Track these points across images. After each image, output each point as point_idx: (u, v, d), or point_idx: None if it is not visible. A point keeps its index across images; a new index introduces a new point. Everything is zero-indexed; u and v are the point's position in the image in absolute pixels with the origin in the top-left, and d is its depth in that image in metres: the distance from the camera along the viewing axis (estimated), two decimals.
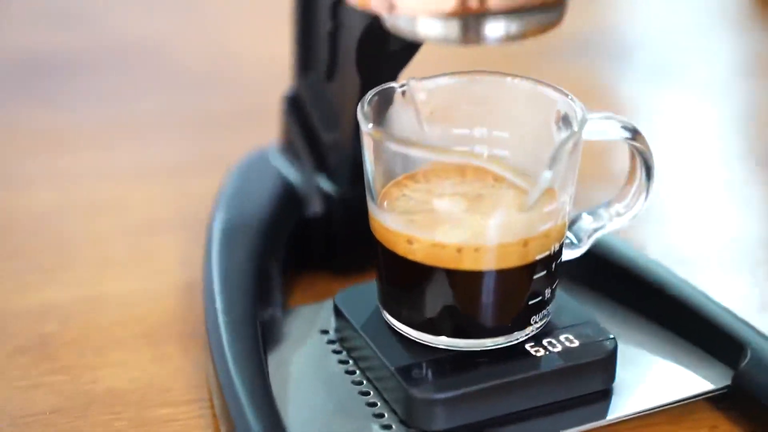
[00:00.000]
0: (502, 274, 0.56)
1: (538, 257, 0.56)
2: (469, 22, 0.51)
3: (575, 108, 0.57)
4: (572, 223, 0.61)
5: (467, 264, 0.55)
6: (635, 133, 0.58)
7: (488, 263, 0.55)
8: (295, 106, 0.71)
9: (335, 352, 0.61)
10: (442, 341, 0.57)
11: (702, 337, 0.62)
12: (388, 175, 0.57)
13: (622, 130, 0.58)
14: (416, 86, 0.60)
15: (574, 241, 0.61)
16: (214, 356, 0.58)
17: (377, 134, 0.55)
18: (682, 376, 0.60)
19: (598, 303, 0.65)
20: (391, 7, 0.50)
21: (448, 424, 0.56)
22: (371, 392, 0.58)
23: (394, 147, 0.55)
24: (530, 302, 0.57)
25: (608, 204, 0.61)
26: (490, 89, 0.61)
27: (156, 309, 0.68)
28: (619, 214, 0.61)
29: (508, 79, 0.60)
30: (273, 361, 0.61)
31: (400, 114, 0.59)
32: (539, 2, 0.50)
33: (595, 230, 0.61)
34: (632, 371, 0.61)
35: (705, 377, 0.60)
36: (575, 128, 0.56)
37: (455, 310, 0.57)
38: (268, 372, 0.58)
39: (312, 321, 0.64)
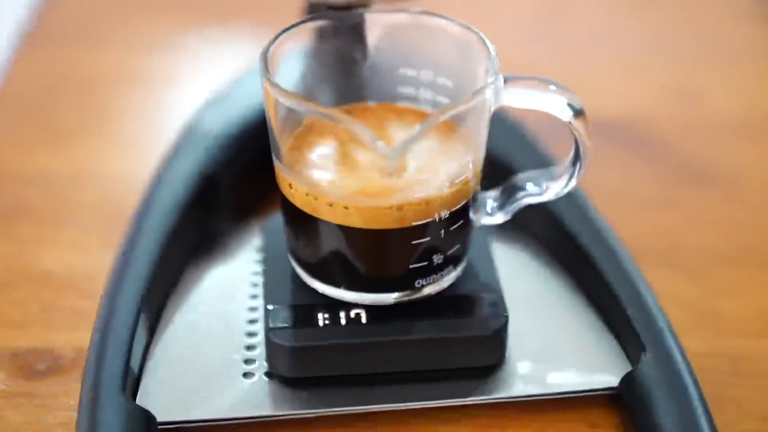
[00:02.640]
0: (373, 234, 0.54)
1: (415, 223, 0.53)
2: None
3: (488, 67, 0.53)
4: (496, 189, 0.58)
5: (339, 219, 0.54)
6: (576, 112, 0.53)
7: (357, 222, 0.53)
8: None
9: (255, 273, 0.61)
10: (323, 289, 0.56)
11: (617, 326, 0.58)
12: (287, 125, 0.56)
13: (558, 103, 0.53)
14: (370, 18, 0.57)
15: (489, 208, 0.57)
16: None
17: (269, 86, 0.53)
18: (578, 365, 0.57)
19: (539, 260, 0.62)
20: None
21: (302, 373, 0.55)
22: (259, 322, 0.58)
23: (282, 100, 0.53)
24: (412, 266, 0.55)
25: (537, 177, 0.57)
26: (433, 33, 0.57)
27: None
28: (545, 190, 0.57)
29: (451, 24, 0.56)
30: (198, 268, 0.62)
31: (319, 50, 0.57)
32: None
33: (515, 201, 0.57)
34: (531, 349, 0.58)
35: (600, 370, 0.56)
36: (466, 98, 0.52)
37: (332, 259, 0.55)
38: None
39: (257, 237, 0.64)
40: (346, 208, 0.53)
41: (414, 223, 0.53)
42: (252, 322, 0.59)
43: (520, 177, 0.57)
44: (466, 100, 0.51)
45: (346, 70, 0.59)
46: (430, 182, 0.53)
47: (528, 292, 0.60)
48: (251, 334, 0.58)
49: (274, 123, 0.53)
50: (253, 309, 0.59)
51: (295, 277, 0.58)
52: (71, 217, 0.68)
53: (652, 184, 0.70)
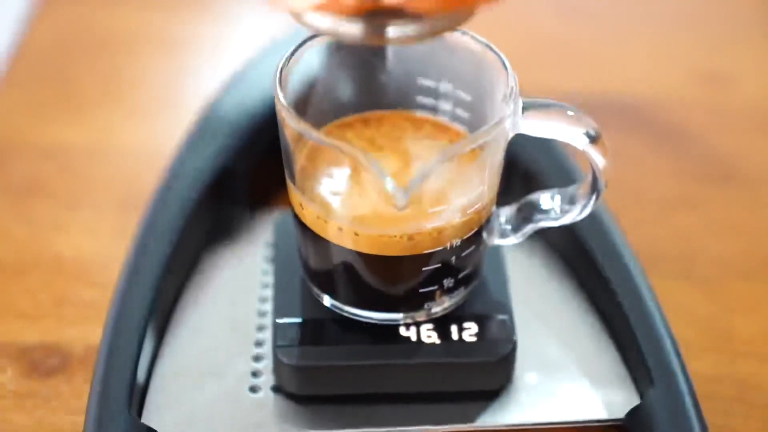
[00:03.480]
0: (383, 260, 0.53)
1: (427, 251, 0.53)
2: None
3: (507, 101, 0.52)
4: (510, 208, 0.57)
5: (348, 243, 0.53)
6: (593, 139, 0.52)
7: (367, 248, 0.53)
8: None
9: (265, 273, 0.61)
10: (334, 304, 0.56)
11: (627, 354, 0.58)
12: (299, 145, 0.54)
13: (573, 133, 0.52)
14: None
15: (503, 230, 0.57)
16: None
17: (281, 109, 0.52)
18: (585, 393, 0.57)
19: (552, 269, 0.61)
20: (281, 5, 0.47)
21: (309, 392, 0.55)
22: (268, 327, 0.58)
23: (293, 125, 0.51)
24: (422, 290, 0.54)
25: (554, 199, 0.56)
26: (454, 47, 0.56)
27: None
28: (561, 214, 0.56)
29: (472, 42, 0.54)
30: (209, 265, 0.62)
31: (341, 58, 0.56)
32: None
33: (530, 224, 0.56)
34: (539, 372, 0.57)
35: (608, 400, 0.56)
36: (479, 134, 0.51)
37: (340, 278, 0.55)
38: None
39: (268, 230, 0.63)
40: (356, 234, 0.52)
41: (425, 251, 0.53)
42: (261, 329, 0.59)
43: (536, 198, 0.56)
44: (483, 135, 0.50)
45: (364, 77, 0.57)
46: (443, 213, 0.52)
47: (539, 308, 0.60)
48: (259, 344, 0.58)
49: (287, 140, 0.53)
50: (262, 314, 0.59)
51: (305, 287, 0.57)
52: (86, 197, 0.67)
53: (672, 181, 0.69)
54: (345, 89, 0.57)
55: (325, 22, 0.47)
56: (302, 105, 0.55)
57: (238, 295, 0.60)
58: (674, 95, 0.75)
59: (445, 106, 0.57)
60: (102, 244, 0.64)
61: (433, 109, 0.58)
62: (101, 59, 0.77)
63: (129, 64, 0.77)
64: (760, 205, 0.67)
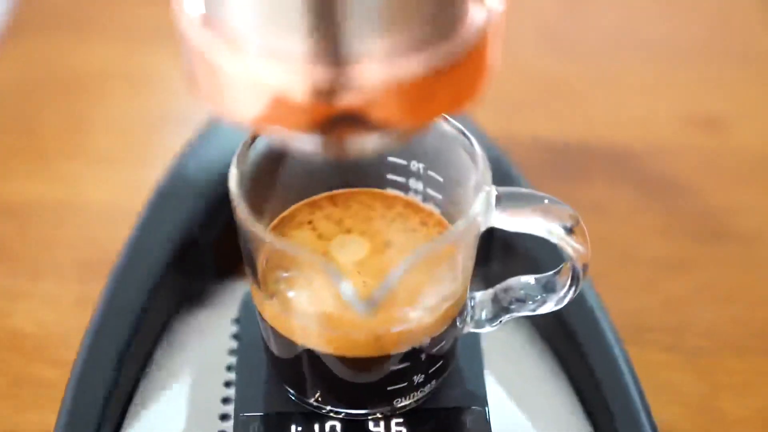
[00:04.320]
0: (348, 360, 0.50)
1: (395, 352, 0.50)
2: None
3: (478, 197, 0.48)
4: (485, 294, 0.54)
5: (311, 343, 0.50)
6: (569, 230, 0.49)
7: (331, 348, 0.50)
8: None
9: (231, 352, 0.58)
10: (299, 398, 0.53)
11: None
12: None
13: (549, 227, 0.49)
14: None
15: (477, 318, 0.54)
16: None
17: (238, 212, 0.48)
18: None
19: (537, 355, 0.58)
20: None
21: None
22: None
23: (247, 225, 0.48)
24: (390, 388, 0.52)
25: (532, 287, 0.53)
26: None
27: None
28: (540, 304, 0.53)
29: (444, 124, 0.51)
30: (169, 341, 0.59)
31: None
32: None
33: (507, 313, 0.53)
34: None
35: None
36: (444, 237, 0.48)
37: (305, 374, 0.53)
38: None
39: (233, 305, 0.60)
40: (319, 334, 0.49)
41: (393, 352, 0.50)
42: (224, 418, 0.56)
43: (513, 285, 0.53)
44: (449, 238, 0.47)
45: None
46: (411, 316, 0.49)
47: (515, 389, 0.57)
48: (224, 417, 0.55)
49: (245, 236, 0.50)
50: (226, 400, 0.56)
51: (269, 375, 0.54)
52: (47, 262, 0.64)
53: (661, 239, 0.66)
54: (312, 167, 0.54)
55: (278, 134, 0.44)
56: (267, 185, 0.52)
57: (202, 377, 0.57)
58: (666, 141, 0.72)
59: (417, 185, 0.54)
60: (63, 316, 0.62)
61: (404, 188, 0.54)
62: (66, 103, 0.73)
63: (97, 106, 0.73)
64: (755, 266, 0.64)
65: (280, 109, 0.41)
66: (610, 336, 0.56)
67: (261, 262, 0.50)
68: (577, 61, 0.77)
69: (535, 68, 0.76)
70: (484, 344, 0.56)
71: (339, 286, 0.46)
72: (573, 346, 0.57)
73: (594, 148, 0.70)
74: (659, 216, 0.67)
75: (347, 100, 0.40)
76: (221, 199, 0.61)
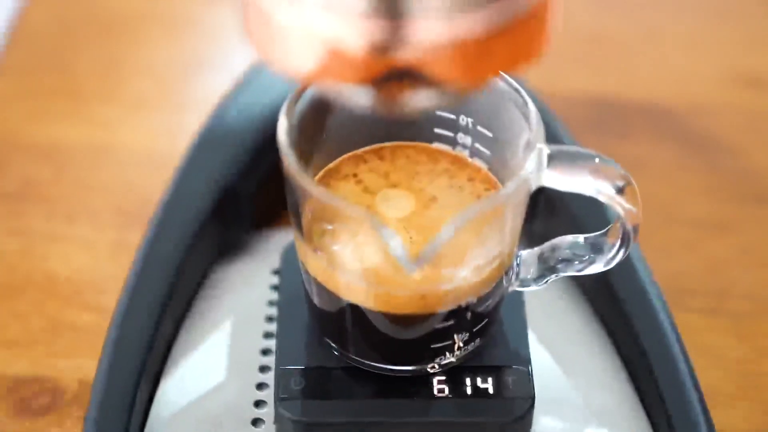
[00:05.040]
0: (392, 317, 0.50)
1: (440, 310, 0.49)
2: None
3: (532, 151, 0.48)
4: (532, 253, 0.53)
5: (356, 299, 0.50)
6: (620, 189, 0.48)
7: (375, 305, 0.50)
8: None
9: (270, 303, 0.58)
10: (341, 352, 0.53)
11: (652, 412, 0.54)
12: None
13: (599, 186, 0.48)
14: None
15: (523, 277, 0.53)
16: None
17: (288, 165, 0.48)
18: None
19: (580, 318, 0.58)
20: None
21: None
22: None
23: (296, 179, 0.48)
24: (433, 345, 0.51)
25: (580, 246, 0.52)
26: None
27: None
28: (587, 264, 0.52)
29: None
30: (209, 290, 0.59)
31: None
32: None
33: (553, 272, 0.53)
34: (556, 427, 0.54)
35: None
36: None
37: (347, 329, 0.52)
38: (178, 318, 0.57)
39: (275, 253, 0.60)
40: (364, 290, 0.49)
41: (438, 311, 0.49)
42: (263, 369, 0.55)
43: (560, 244, 0.53)
44: (500, 198, 0.47)
45: None
46: (459, 274, 0.48)
47: (558, 351, 0.56)
48: (261, 386, 0.55)
49: (292, 190, 0.49)
50: (266, 352, 0.56)
51: (311, 330, 0.54)
52: (83, 205, 0.64)
53: (703, 199, 0.65)
54: (359, 120, 0.53)
55: (331, 87, 0.43)
56: (314, 137, 0.51)
57: (242, 328, 0.57)
58: (709, 99, 0.70)
59: (465, 140, 0.53)
60: (99, 261, 0.61)
61: (452, 142, 0.54)
62: (103, 45, 0.72)
63: (134, 50, 0.72)
64: None
65: (334, 62, 0.40)
66: (655, 300, 0.55)
67: (307, 215, 0.49)
68: (619, 14, 0.76)
69: (577, 22, 0.74)
70: (528, 304, 0.55)
71: (388, 243, 0.45)
72: (617, 308, 0.56)
73: (636, 104, 0.69)
74: (702, 175, 0.66)
75: (403, 56, 0.39)
76: (263, 148, 0.61)
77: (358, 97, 0.42)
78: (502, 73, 0.48)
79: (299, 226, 0.49)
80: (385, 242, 0.45)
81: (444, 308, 0.49)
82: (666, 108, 0.69)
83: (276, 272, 0.59)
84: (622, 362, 0.56)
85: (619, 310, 0.56)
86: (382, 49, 0.39)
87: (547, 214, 0.60)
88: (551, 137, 0.59)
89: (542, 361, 0.55)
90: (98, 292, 0.59)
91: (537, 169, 0.47)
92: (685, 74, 0.72)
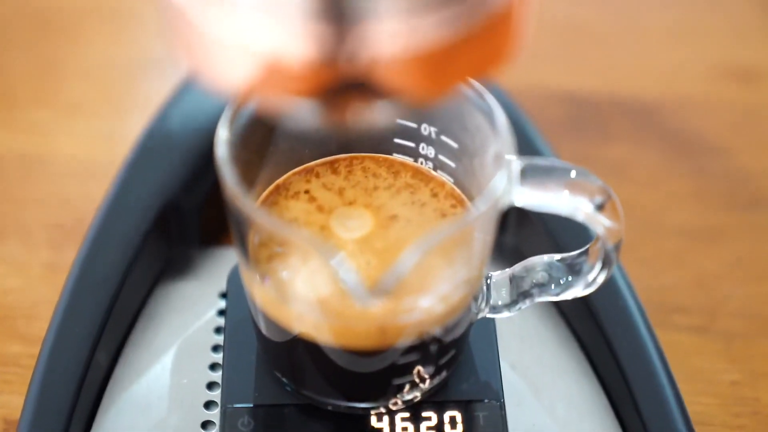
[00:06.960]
0: (349, 353, 0.45)
1: (400, 344, 0.44)
2: None
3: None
4: (503, 276, 0.48)
5: (309, 333, 0.45)
6: (600, 206, 0.44)
7: (330, 340, 0.45)
8: None
9: (218, 330, 0.53)
10: (296, 388, 0.49)
11: None
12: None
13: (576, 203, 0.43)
14: None
15: (494, 304, 0.48)
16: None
17: (230, 191, 0.43)
18: None
19: (557, 339, 0.53)
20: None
21: None
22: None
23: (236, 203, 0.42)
24: (395, 381, 0.46)
25: (555, 269, 0.47)
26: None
27: None
28: (563, 288, 0.47)
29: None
30: (148, 316, 0.54)
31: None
32: None
33: (526, 298, 0.48)
34: None
35: None
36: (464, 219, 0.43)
37: (299, 365, 0.48)
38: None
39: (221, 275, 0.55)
40: (317, 323, 0.44)
41: (399, 344, 0.44)
42: (208, 406, 0.50)
43: (535, 264, 0.48)
44: (467, 220, 0.42)
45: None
46: (421, 305, 0.43)
47: (533, 379, 0.52)
48: (209, 404, 0.50)
49: (232, 211, 0.44)
50: (211, 386, 0.51)
51: (260, 360, 0.49)
52: (13, 222, 0.59)
53: (691, 205, 0.61)
54: (311, 129, 0.48)
55: (272, 101, 0.38)
56: (259, 146, 0.46)
57: (185, 359, 0.52)
58: (696, 95, 0.66)
59: (428, 151, 0.48)
60: (30, 284, 0.56)
61: (414, 154, 0.49)
62: (37, 42, 0.68)
63: (71, 48, 0.68)
64: None
65: (275, 74, 0.35)
66: (639, 320, 0.51)
67: (251, 239, 0.44)
68: (598, 3, 0.72)
69: (552, 13, 0.70)
70: (499, 329, 0.51)
71: (339, 274, 0.40)
72: (597, 330, 0.52)
73: (616, 101, 0.65)
74: (689, 179, 0.61)
75: (354, 65, 0.35)
76: (209, 158, 0.55)
77: (304, 112, 0.37)
78: (467, 79, 0.43)
79: (244, 251, 0.44)
80: (336, 273, 0.40)
81: (406, 341, 0.45)
82: (649, 105, 0.65)
83: (223, 295, 0.54)
84: (603, 390, 0.52)
85: (599, 333, 0.52)
86: (329, 58, 0.35)
87: (519, 225, 0.55)
88: (523, 143, 0.54)
89: (516, 392, 0.50)
90: (29, 319, 0.55)
91: (507, 186, 0.43)
92: (670, 68, 0.68)
